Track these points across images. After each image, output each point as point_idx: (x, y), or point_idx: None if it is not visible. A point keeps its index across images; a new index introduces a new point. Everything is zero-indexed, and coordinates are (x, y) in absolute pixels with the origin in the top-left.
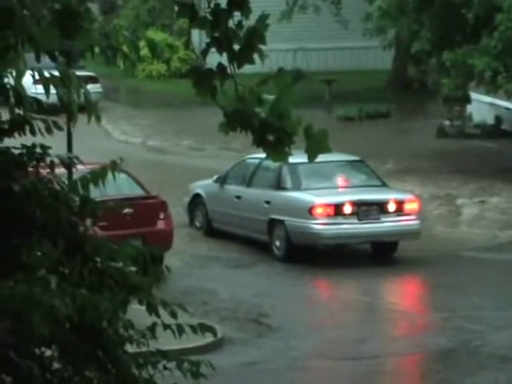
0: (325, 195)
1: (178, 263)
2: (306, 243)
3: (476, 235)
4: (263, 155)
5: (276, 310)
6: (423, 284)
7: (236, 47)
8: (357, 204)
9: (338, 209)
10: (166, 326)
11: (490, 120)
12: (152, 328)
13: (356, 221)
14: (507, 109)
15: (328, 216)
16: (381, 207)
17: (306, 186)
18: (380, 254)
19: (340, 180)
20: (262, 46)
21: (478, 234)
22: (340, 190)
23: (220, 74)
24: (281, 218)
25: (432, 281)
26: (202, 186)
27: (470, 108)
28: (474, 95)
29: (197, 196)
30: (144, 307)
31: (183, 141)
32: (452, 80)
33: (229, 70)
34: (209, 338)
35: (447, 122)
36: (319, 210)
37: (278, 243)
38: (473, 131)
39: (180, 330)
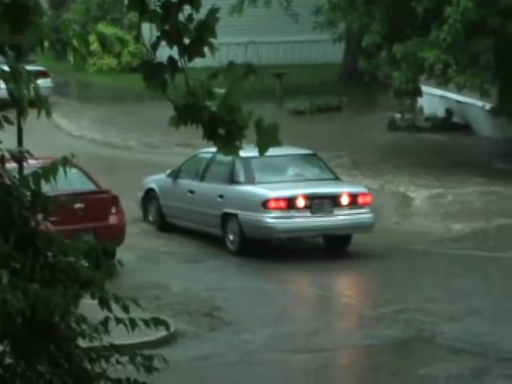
0: (278, 189)
1: (131, 258)
2: (260, 237)
3: (428, 228)
4: (215, 149)
5: (229, 304)
6: (375, 277)
7: (186, 41)
8: (310, 197)
9: (291, 202)
10: (119, 321)
11: (441, 113)
12: (104, 322)
13: (309, 214)
14: (458, 102)
15: (281, 210)
16: (334, 200)
17: (260, 179)
18: (333, 248)
19: (293, 174)
20: (212, 40)
21: (431, 226)
22: (293, 183)
23: (170, 68)
24: (234, 211)
25: (384, 274)
26: (155, 180)
27: (420, 101)
28: (424, 88)
29: (150, 191)
30: (96, 302)
31: (134, 135)
32: (403, 73)
33: (179, 64)
34: (162, 332)
35: (398, 115)
36: (273, 204)
37: (231, 237)
38: (424, 124)
39: (133, 324)
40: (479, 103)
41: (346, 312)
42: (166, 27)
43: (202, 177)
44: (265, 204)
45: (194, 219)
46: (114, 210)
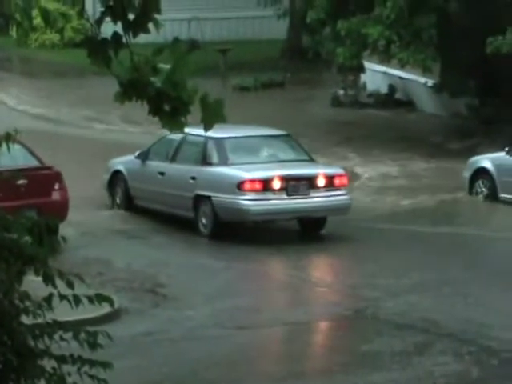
0: (253, 170)
1: (74, 234)
2: (234, 220)
3: (374, 204)
4: (185, 130)
5: (172, 280)
6: (320, 254)
7: (131, 16)
8: (286, 179)
9: (266, 184)
10: (63, 297)
11: (384, 89)
12: (48, 299)
13: (285, 196)
14: (400, 78)
15: (256, 191)
16: (310, 182)
17: (233, 161)
18: (308, 231)
19: (267, 155)
20: (156, 16)
21: (377, 202)
22: (267, 164)
23: (115, 44)
24: (207, 193)
25: (331, 250)
26: (122, 162)
27: (363, 77)
28: (367, 64)
29: (117, 173)
30: (40, 278)
31: (79, 111)
32: (346, 49)
33: (124, 40)
34: (105, 309)
35: (341, 91)
36: (248, 186)
37: (204, 220)
38: (367, 100)
39: (77, 300)
40: (422, 79)
41: (290, 288)
42: (110, 3)
43: (172, 158)
44: (239, 186)
45: (164, 201)
46: (57, 187)
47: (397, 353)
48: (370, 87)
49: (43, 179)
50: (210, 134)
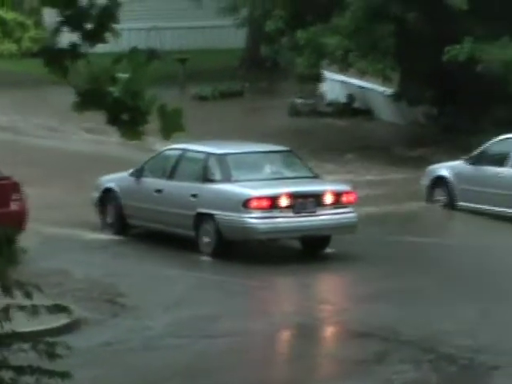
0: (259, 187)
1: (33, 244)
2: (239, 238)
3: None
4: (183, 146)
5: (131, 290)
6: (280, 262)
7: (89, 26)
8: (293, 196)
9: (273, 201)
10: (21, 308)
11: (343, 98)
12: (6, 309)
13: (291, 214)
14: (359, 87)
15: (263, 209)
16: (317, 199)
17: (236, 177)
18: (311, 250)
19: (270, 172)
20: (114, 25)
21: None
22: (272, 181)
23: (72, 54)
24: (210, 211)
25: (291, 259)
26: (114, 179)
27: (322, 86)
28: (326, 74)
29: (107, 191)
30: None
31: (37, 120)
32: (305, 59)
33: (81, 49)
34: (64, 319)
35: (299, 101)
36: (255, 203)
37: (206, 239)
38: (325, 109)
39: (35, 310)
40: (380, 88)
41: (248, 296)
42: (68, 12)
43: (170, 175)
44: (246, 203)
45: (161, 220)
46: (14, 197)
47: (358, 361)
48: (329, 96)
49: (0, 189)
50: (210, 150)
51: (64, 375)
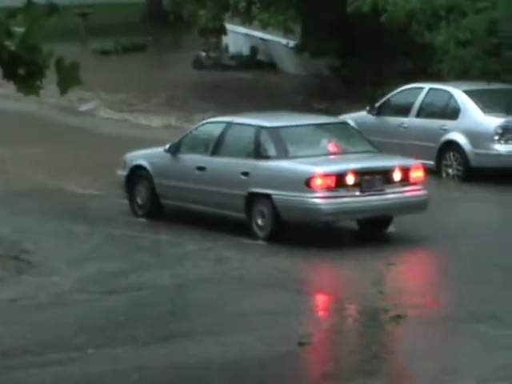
0: (322, 164)
1: None
2: (301, 220)
3: None
4: (228, 119)
5: (37, 247)
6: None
7: None
8: (359, 173)
9: (339, 179)
10: None
11: (246, 51)
12: None
13: (358, 193)
14: (262, 39)
15: (328, 188)
16: (385, 176)
17: (294, 153)
18: (370, 231)
19: (331, 145)
20: None
21: None
22: (334, 157)
23: None
24: (265, 191)
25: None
26: (145, 156)
27: (225, 39)
28: (229, 26)
29: (137, 168)
30: None
31: None
32: (208, 11)
33: None
34: None
35: (203, 54)
36: (319, 182)
37: (260, 221)
38: (229, 62)
39: None
40: (283, 41)
41: (156, 251)
42: None
43: (214, 151)
44: (308, 182)
45: (204, 201)
46: None
47: (264, 312)
48: (232, 49)
49: None
50: (261, 122)
51: None
